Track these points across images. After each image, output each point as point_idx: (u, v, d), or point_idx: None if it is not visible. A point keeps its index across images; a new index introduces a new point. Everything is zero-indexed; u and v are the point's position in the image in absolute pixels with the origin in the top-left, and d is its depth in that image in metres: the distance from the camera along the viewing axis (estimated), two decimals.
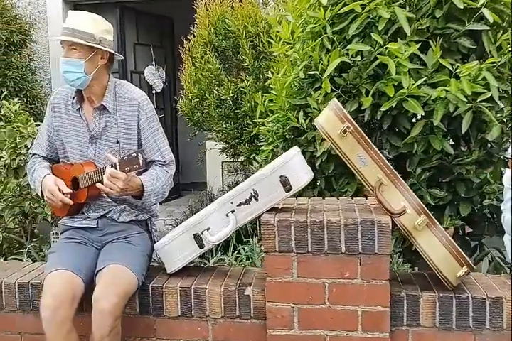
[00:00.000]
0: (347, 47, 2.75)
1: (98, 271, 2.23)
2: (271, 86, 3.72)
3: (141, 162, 2.12)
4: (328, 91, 2.79)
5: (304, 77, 3.01)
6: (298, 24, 3.16)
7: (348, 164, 2.11)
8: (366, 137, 2.08)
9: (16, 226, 3.69)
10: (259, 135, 4.51)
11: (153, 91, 7.36)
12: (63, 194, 2.33)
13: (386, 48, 2.62)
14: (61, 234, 2.53)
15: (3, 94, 4.64)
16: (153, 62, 7.39)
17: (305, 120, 3.07)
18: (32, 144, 3.55)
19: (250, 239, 3.12)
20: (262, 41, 4.72)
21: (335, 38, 2.82)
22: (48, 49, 6.73)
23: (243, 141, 5.03)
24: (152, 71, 7.32)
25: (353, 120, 2.08)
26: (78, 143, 2.45)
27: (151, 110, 2.45)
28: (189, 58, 5.38)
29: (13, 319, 2.41)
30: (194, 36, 5.34)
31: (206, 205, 6.02)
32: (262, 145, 4.01)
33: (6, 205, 3.52)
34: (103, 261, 2.26)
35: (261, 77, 4.80)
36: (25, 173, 3.60)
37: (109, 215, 2.44)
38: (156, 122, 2.45)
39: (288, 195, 2.15)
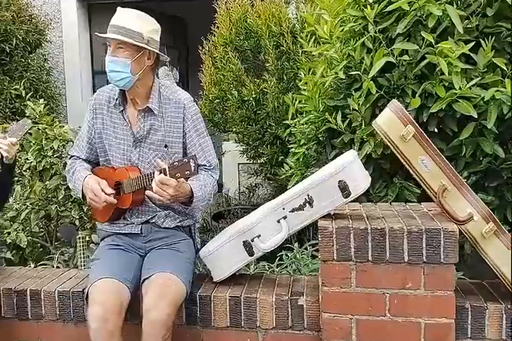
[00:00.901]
0: (393, 47, 2.66)
1: (145, 279, 2.13)
2: (300, 86, 3.64)
3: (192, 168, 2.03)
4: (373, 92, 2.69)
5: (343, 77, 2.91)
6: (335, 23, 3.07)
7: (409, 168, 2.01)
8: (430, 141, 1.98)
9: (41, 230, 3.58)
10: (282, 136, 4.44)
11: None
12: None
13: (434, 47, 2.53)
14: (101, 240, 2.43)
15: (28, 95, 4.54)
16: (167, 63, 7.31)
17: (343, 122, 2.98)
18: (58, 147, 3.49)
19: (293, 245, 3.02)
20: (286, 41, 4.63)
21: (380, 37, 2.72)
22: (61, 49, 6.64)
23: (265, 142, 4.94)
24: (166, 72, 7.24)
25: (415, 122, 1.99)
26: (121, 147, 2.35)
27: (197, 112, 2.35)
28: (209, 58, 5.29)
29: (52, 328, 2.32)
30: (214, 36, 5.25)
31: (223, 207, 5.95)
32: (291, 148, 3.93)
33: (31, 209, 3.42)
34: (149, 268, 2.16)
35: (284, 77, 4.70)
36: (51, 176, 3.51)
37: (153, 221, 2.34)
38: (202, 125, 2.36)
39: (346, 201, 2.06)
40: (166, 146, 2.28)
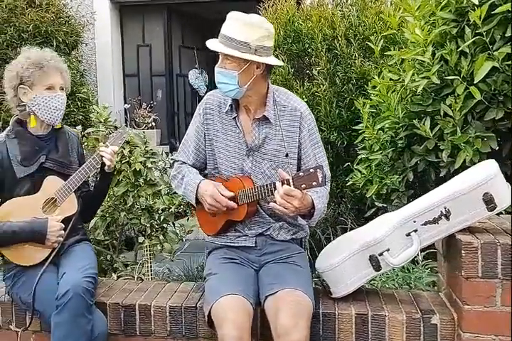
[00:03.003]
0: (500, 50, 2.56)
1: (268, 296, 2.01)
2: (369, 91, 3.55)
3: (320, 179, 1.92)
4: (478, 97, 2.59)
5: (438, 82, 2.81)
6: (422, 26, 2.97)
7: None
8: None
9: (107, 238, 3.47)
10: (335, 142, 4.33)
11: (197, 95, 7.19)
12: None
13: None
14: (209, 252, 2.31)
15: (96, 99, 4.40)
16: (197, 65, 7.21)
17: (431, 128, 2.88)
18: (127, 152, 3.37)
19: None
20: (340, 44, 4.52)
21: (483, 41, 2.62)
22: (94, 51, 6.53)
23: None
24: (196, 74, 7.14)
25: None
26: (232, 155, 2.24)
27: (313, 121, 2.25)
28: None
29: None
30: None
31: None
32: (345, 153, 3.82)
33: (101, 216, 3.30)
34: (272, 284, 2.04)
35: (337, 81, 4.59)
36: (118, 182, 3.39)
37: (268, 233, 2.23)
38: (317, 134, 2.25)
39: (490, 215, 1.95)
40: (287, 155, 2.17)
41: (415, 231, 2.03)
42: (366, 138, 3.49)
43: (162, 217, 3.44)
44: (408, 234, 2.04)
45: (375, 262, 2.08)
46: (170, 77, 6.74)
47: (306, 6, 5.03)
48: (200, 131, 2.31)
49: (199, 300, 2.22)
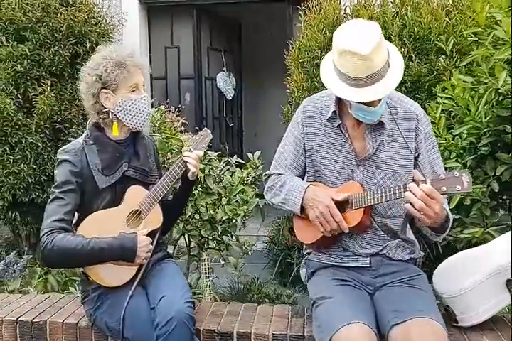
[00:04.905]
0: None
1: (395, 325, 1.77)
2: (439, 94, 3.33)
3: (465, 184, 1.70)
4: None
5: None
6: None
7: None
8: None
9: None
10: None
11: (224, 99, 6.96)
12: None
13: None
14: (312, 272, 2.08)
15: (153, 99, 4.15)
16: (225, 68, 6.98)
17: None
18: None
19: None
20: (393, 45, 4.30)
21: None
22: None
23: None
24: (224, 77, 6.91)
25: None
26: (339, 165, 2.02)
27: (429, 124, 2.03)
28: (297, 63, 4.95)
29: None
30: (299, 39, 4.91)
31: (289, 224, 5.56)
32: None
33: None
34: (396, 311, 1.80)
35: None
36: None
37: (384, 252, 2.00)
38: (433, 139, 2.04)
39: None
40: (416, 158, 1.93)
41: None
42: (441, 145, 3.27)
43: (222, 229, 3.20)
44: None
45: None
46: (199, 80, 6.50)
47: (352, 5, 4.81)
48: (298, 141, 2.09)
49: (303, 327, 1.98)
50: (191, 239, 3.19)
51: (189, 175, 2.15)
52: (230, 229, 3.17)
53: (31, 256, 3.93)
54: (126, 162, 2.11)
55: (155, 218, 2.10)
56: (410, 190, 1.75)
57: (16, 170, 4.27)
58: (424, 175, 1.82)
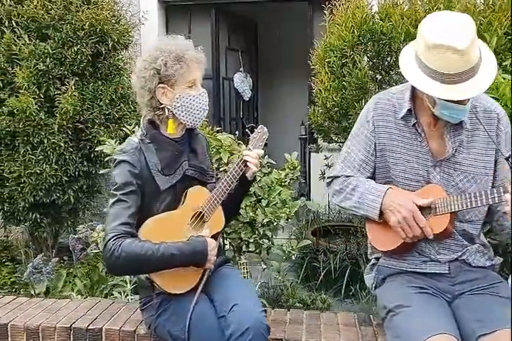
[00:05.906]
0: None
1: (482, 336, 1.67)
2: None
3: None
4: None
5: None
6: None
7: None
8: None
9: None
10: None
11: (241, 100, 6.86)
12: None
13: None
14: (383, 278, 1.97)
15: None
16: (242, 69, 6.88)
17: None
18: (228, 158, 3.05)
19: None
20: None
21: None
22: (139, 53, 6.20)
23: None
24: (241, 78, 6.81)
25: None
26: (415, 166, 1.91)
27: (509, 124, 1.92)
28: (323, 63, 4.85)
29: None
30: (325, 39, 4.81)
31: (317, 224, 5.46)
32: None
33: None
34: (481, 321, 1.70)
35: None
36: None
37: (463, 258, 1.89)
38: None
39: None
40: (508, 159, 1.80)
41: None
42: None
43: (262, 232, 3.10)
44: None
45: None
46: (217, 80, 6.39)
47: (380, 4, 4.71)
48: (369, 140, 1.98)
49: (375, 336, 1.88)
50: (232, 243, 3.08)
51: (248, 174, 2.05)
52: (271, 232, 3.06)
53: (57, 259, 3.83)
54: (186, 160, 2.01)
55: (218, 220, 2.00)
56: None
57: (38, 171, 4.16)
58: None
